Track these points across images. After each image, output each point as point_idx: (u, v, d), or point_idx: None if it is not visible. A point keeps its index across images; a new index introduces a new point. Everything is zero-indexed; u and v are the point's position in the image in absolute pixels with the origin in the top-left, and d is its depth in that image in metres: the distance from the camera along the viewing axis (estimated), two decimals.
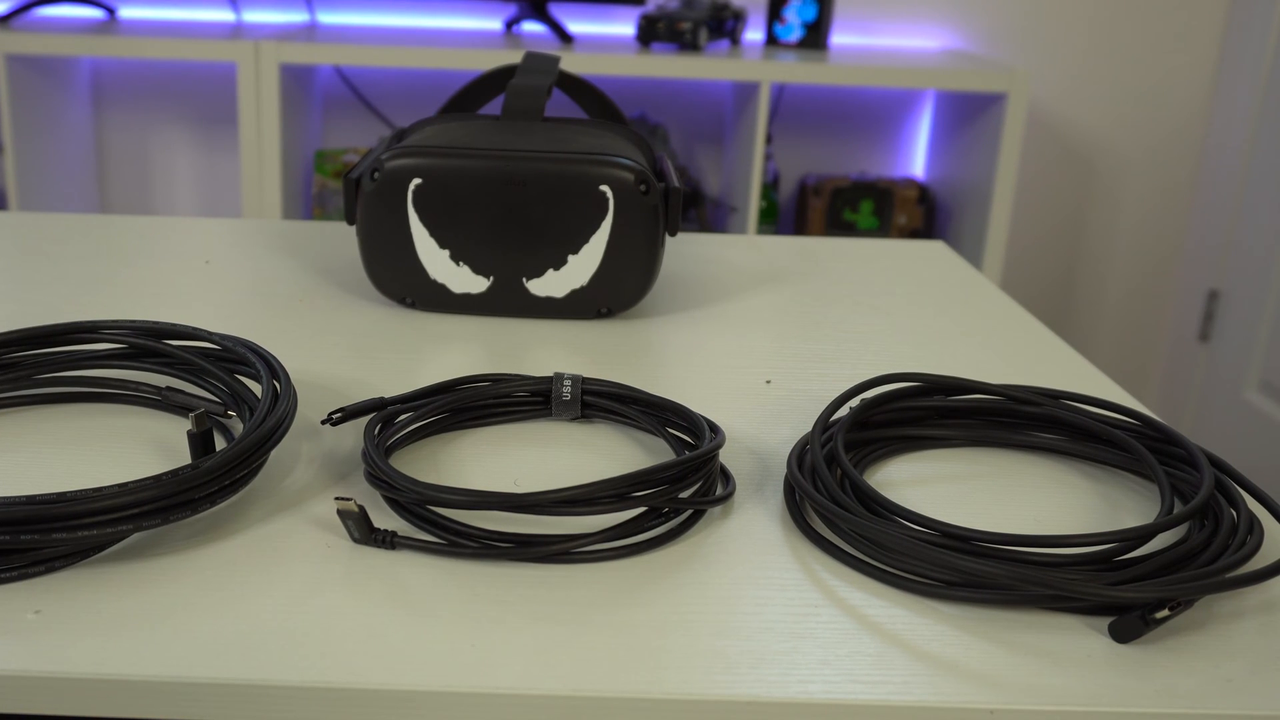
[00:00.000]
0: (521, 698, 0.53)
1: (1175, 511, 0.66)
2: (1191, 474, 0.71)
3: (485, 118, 1.02)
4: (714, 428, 0.72)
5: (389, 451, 0.72)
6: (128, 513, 0.59)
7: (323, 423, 0.75)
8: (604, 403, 0.78)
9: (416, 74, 3.04)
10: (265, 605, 0.58)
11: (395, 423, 0.74)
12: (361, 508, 0.62)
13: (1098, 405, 0.78)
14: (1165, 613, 0.57)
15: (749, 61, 2.70)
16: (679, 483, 0.66)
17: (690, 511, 0.67)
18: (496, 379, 0.79)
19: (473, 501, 0.62)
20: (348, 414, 0.74)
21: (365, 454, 0.67)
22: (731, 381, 0.88)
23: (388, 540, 0.62)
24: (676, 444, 0.74)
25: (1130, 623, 0.58)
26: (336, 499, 0.62)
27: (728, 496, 0.69)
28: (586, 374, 0.87)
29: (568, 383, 0.78)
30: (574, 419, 0.80)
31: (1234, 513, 0.66)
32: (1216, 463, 0.71)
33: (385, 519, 0.66)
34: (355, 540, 0.63)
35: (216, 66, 3.09)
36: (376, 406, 0.75)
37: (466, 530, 0.63)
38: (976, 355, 0.96)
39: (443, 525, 0.63)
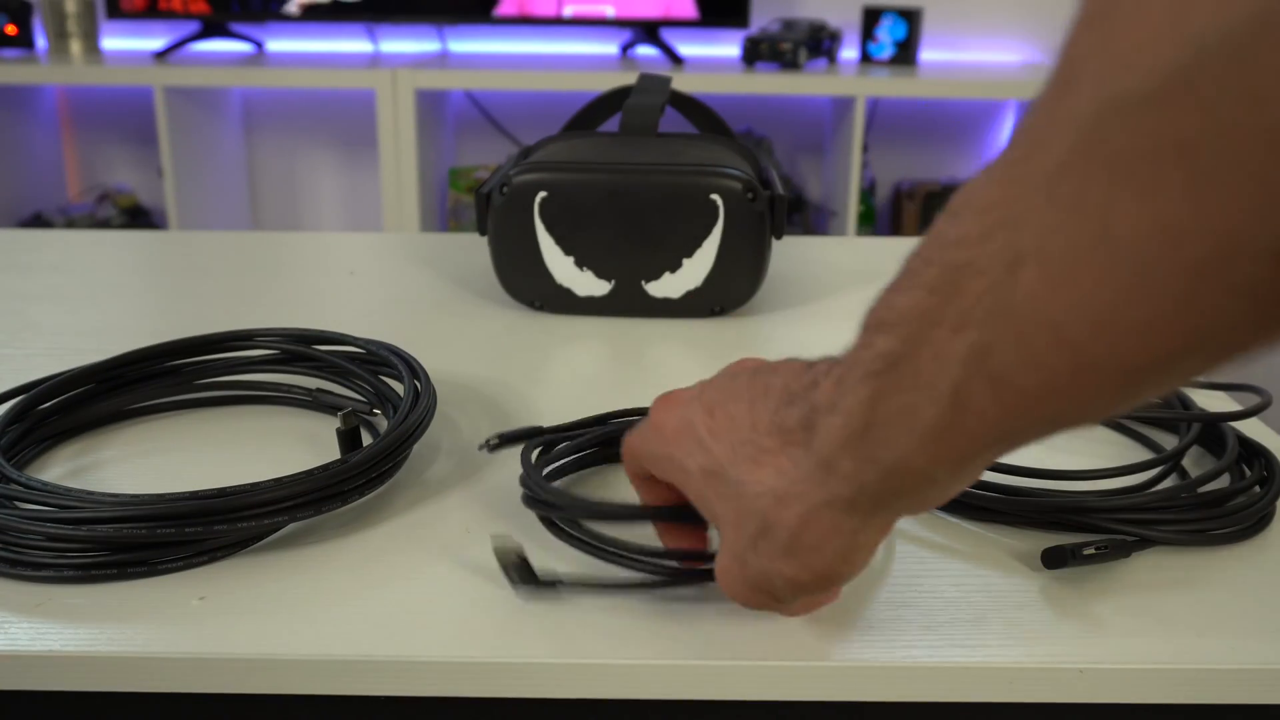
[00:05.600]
0: (650, 667, 0.52)
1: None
2: None
3: (604, 135, 1.02)
4: None
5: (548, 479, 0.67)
6: (283, 505, 0.59)
7: (480, 449, 0.69)
8: None
9: (540, 96, 3.04)
10: (410, 587, 0.57)
11: (552, 451, 0.69)
12: (523, 557, 0.56)
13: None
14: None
15: (845, 78, 2.68)
16: None
17: None
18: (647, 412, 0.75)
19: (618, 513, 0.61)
20: (504, 440, 0.68)
21: (524, 479, 0.62)
22: None
23: (551, 585, 0.57)
24: None
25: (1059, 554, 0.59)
26: (493, 537, 0.57)
27: None
28: (702, 368, 0.86)
29: None
30: None
31: None
32: None
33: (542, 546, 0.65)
34: (513, 584, 0.58)
35: (357, 94, 3.12)
36: (533, 433, 0.69)
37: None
38: None
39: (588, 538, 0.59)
